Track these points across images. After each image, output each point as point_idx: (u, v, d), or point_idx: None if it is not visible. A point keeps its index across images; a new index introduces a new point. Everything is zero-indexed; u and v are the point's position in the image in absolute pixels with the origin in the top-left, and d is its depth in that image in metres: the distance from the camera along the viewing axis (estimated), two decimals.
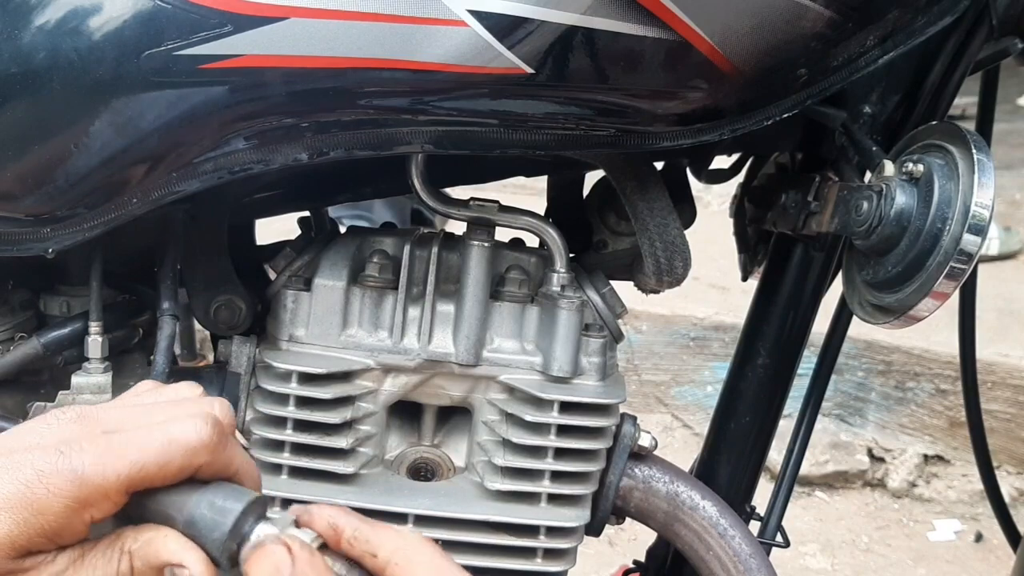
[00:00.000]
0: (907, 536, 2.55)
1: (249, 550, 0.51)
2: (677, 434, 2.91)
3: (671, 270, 0.84)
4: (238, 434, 0.60)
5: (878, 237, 0.72)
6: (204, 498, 0.52)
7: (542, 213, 0.88)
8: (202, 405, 0.55)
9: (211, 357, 0.88)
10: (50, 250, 0.70)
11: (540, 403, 0.78)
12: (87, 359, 0.78)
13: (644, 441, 0.85)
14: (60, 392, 0.77)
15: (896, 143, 0.80)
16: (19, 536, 0.49)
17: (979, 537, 2.51)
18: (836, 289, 0.91)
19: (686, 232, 0.85)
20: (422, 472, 0.84)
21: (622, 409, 0.84)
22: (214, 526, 0.52)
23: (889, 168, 0.73)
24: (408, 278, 0.80)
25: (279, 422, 0.78)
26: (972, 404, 1.15)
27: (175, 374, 0.84)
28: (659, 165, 0.86)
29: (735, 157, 1.00)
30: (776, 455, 0.99)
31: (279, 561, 0.50)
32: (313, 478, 0.79)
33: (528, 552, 0.80)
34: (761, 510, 1.02)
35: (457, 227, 0.84)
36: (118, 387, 0.79)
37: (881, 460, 2.71)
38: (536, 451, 0.79)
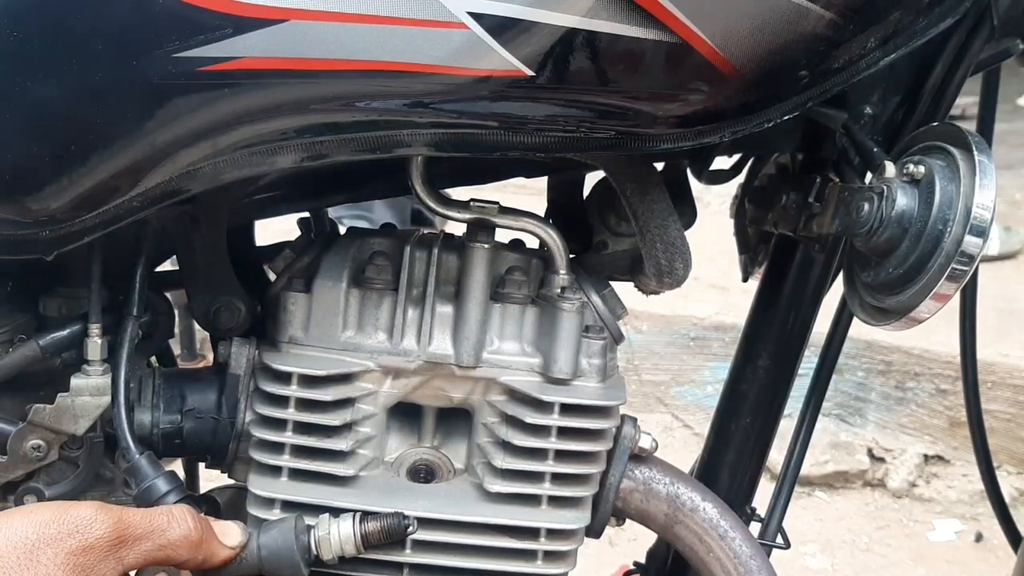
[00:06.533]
0: (907, 536, 2.55)
1: None
2: (677, 434, 2.91)
3: (672, 271, 0.84)
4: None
5: (879, 239, 0.72)
6: None
7: (542, 214, 0.88)
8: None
9: (211, 357, 0.88)
10: (50, 253, 0.70)
11: (540, 405, 0.78)
12: (86, 361, 0.78)
13: (644, 443, 0.85)
14: (59, 394, 0.77)
15: (897, 144, 0.80)
16: None
17: (979, 537, 2.51)
18: (837, 289, 0.91)
19: (686, 232, 0.85)
20: (422, 474, 0.84)
21: (622, 410, 0.84)
22: None
23: (890, 169, 0.72)
24: (408, 279, 0.80)
25: (279, 424, 0.78)
26: (972, 404, 1.15)
27: (170, 377, 0.84)
28: (659, 166, 0.86)
29: (736, 158, 1.00)
30: (777, 455, 0.99)
31: None
32: (313, 480, 0.79)
33: (528, 554, 0.80)
34: (762, 510, 1.02)
35: (457, 227, 0.84)
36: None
37: (881, 460, 2.72)
38: (536, 453, 0.79)
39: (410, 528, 0.75)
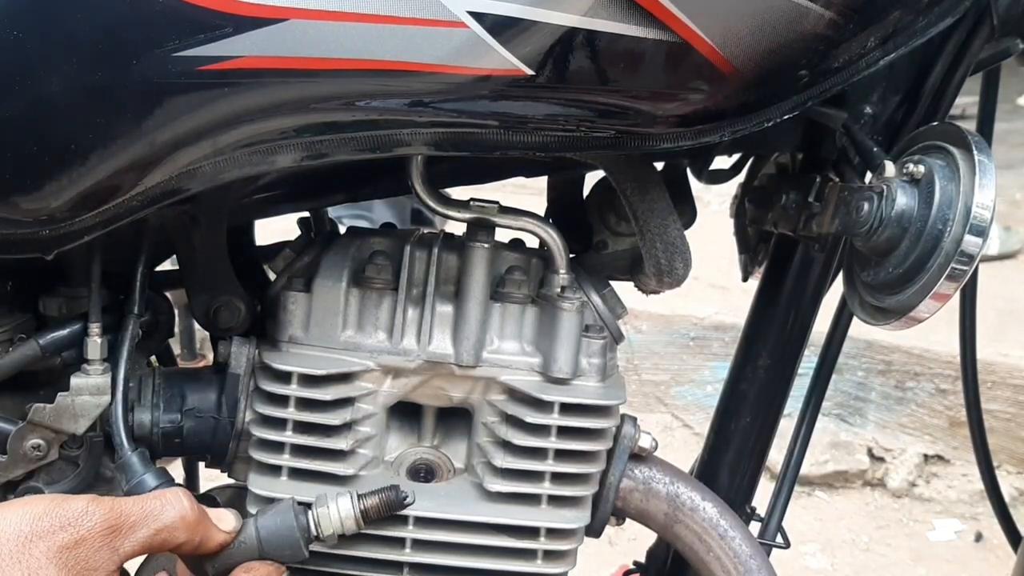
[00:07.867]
0: (907, 536, 2.55)
1: None
2: (677, 434, 2.91)
3: (672, 271, 0.84)
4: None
5: (879, 238, 0.72)
6: None
7: (542, 213, 0.88)
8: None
9: (211, 357, 0.88)
10: (50, 252, 0.70)
11: (540, 404, 0.78)
12: (86, 360, 0.78)
13: (644, 442, 0.85)
14: (59, 393, 0.77)
15: (897, 144, 0.80)
16: None
17: (979, 537, 2.51)
18: (837, 289, 0.91)
19: (686, 232, 0.85)
20: (422, 473, 0.84)
21: (622, 410, 0.84)
22: None
23: (890, 169, 0.72)
24: (408, 279, 0.80)
25: (279, 423, 0.78)
26: (972, 403, 1.15)
27: (170, 376, 0.84)
28: (659, 165, 0.86)
29: (735, 157, 1.00)
30: (777, 455, 0.99)
31: None
32: (313, 479, 0.79)
33: (528, 554, 0.80)
34: (761, 510, 1.02)
35: (457, 227, 0.84)
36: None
37: (881, 460, 2.72)
38: (536, 452, 0.79)
39: (407, 499, 0.75)
